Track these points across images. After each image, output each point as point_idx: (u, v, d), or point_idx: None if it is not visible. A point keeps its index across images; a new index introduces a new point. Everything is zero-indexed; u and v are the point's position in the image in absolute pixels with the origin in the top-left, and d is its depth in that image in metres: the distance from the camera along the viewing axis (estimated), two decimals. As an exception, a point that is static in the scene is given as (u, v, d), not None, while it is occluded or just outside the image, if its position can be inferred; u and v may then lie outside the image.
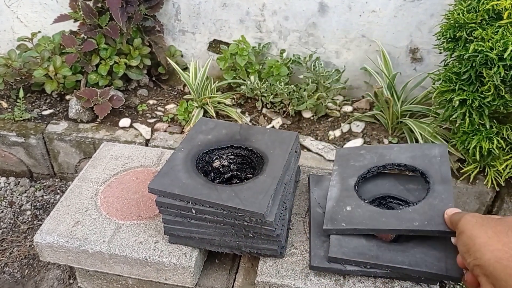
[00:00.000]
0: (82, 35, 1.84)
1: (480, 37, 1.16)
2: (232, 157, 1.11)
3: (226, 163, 1.11)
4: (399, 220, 0.89)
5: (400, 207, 0.96)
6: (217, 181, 1.10)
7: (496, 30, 1.15)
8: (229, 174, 1.12)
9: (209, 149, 1.08)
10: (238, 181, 1.12)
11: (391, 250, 0.90)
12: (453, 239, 0.85)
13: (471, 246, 0.64)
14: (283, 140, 1.07)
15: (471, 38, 1.19)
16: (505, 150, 1.34)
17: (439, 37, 1.32)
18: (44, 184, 1.84)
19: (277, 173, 0.97)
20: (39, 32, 1.91)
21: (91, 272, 1.14)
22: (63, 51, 1.82)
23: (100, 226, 1.08)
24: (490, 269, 0.58)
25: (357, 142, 1.66)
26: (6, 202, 1.75)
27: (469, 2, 1.24)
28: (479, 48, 1.15)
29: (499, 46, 1.12)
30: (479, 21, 1.19)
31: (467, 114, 1.27)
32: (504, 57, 1.12)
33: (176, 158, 1.03)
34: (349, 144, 1.65)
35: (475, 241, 0.63)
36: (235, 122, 1.75)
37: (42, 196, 1.79)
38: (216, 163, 1.10)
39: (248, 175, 1.11)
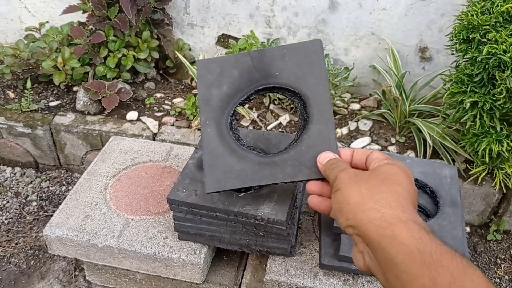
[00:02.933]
0: (91, 27, 1.83)
1: (494, 39, 1.16)
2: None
3: None
4: None
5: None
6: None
7: (510, 33, 1.14)
8: None
9: (235, 108, 0.86)
10: None
11: None
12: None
13: (344, 205, 0.59)
14: (309, 57, 0.84)
15: (485, 40, 1.19)
16: (514, 153, 1.34)
17: (451, 38, 1.31)
18: (50, 175, 1.84)
19: (330, 117, 0.82)
20: (47, 22, 1.90)
21: (99, 266, 1.14)
22: (71, 42, 1.81)
23: (110, 220, 1.08)
24: (363, 230, 0.55)
25: (364, 140, 1.66)
26: (12, 193, 1.76)
27: (483, 3, 1.24)
28: (493, 51, 1.14)
29: (513, 49, 1.12)
30: (493, 23, 1.18)
31: (478, 116, 1.26)
32: (518, 60, 1.11)
33: (210, 139, 0.83)
34: (356, 143, 1.65)
35: (349, 200, 0.59)
36: (242, 115, 1.75)
37: (48, 187, 1.79)
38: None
39: None
